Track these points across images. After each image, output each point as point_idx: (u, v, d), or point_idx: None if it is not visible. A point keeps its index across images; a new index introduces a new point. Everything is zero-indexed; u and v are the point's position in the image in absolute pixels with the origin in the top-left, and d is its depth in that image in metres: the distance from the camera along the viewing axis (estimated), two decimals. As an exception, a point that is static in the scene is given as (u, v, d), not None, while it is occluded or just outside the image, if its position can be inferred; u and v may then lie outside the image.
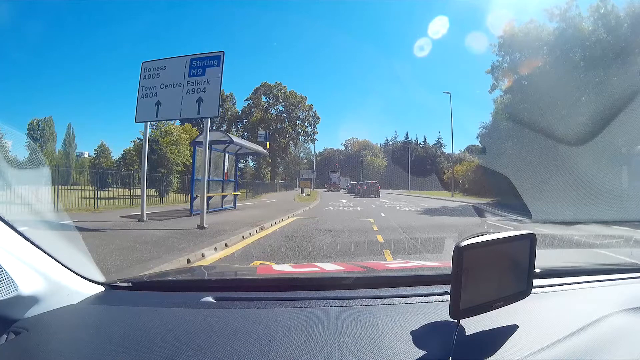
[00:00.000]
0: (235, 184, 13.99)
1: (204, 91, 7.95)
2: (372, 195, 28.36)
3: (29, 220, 1.18)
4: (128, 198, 14.93)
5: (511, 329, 0.85)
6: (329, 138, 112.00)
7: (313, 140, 55.91)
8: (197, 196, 10.04)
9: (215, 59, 8.04)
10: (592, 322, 0.88)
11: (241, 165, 51.35)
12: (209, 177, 10.31)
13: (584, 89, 15.98)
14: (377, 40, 73.20)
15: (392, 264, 1.92)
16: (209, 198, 11.00)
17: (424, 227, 8.90)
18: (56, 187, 10.98)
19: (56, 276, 1.02)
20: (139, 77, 8.68)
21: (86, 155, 51.05)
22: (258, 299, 1.07)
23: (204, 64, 8.07)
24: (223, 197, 12.47)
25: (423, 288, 1.13)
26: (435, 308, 0.96)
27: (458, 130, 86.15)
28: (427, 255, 5.03)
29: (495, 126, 24.81)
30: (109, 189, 18.02)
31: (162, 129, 23.55)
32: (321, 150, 69.18)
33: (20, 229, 0.99)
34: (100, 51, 61.38)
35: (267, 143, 26.19)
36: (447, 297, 0.79)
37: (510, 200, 15.06)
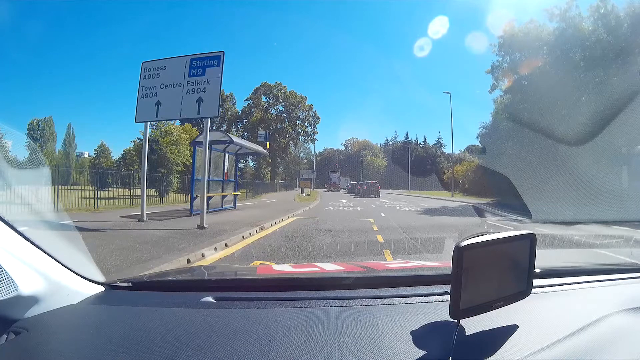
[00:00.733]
0: (235, 184, 13.96)
1: (204, 91, 7.95)
2: (372, 195, 28.25)
3: (29, 220, 1.18)
4: (128, 198, 14.93)
5: (511, 329, 0.85)
6: (329, 138, 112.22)
7: (313, 140, 55.90)
8: (197, 196, 10.03)
9: (215, 59, 8.03)
10: (592, 322, 0.88)
11: (241, 165, 51.22)
12: (209, 177, 10.30)
13: (584, 89, 15.98)
14: (377, 40, 73.39)
15: (392, 264, 1.93)
16: (209, 198, 10.99)
17: (424, 227, 8.88)
18: (56, 187, 10.99)
19: (56, 276, 1.02)
20: (139, 77, 8.68)
21: (86, 155, 51.05)
22: (258, 299, 1.07)
23: (204, 64, 8.07)
24: (223, 197, 12.46)
25: (423, 288, 1.13)
26: (435, 308, 0.96)
27: (458, 131, 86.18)
28: (427, 255, 5.02)
29: (495, 126, 24.83)
30: (109, 189, 18.05)
31: (162, 129, 23.57)
32: (321, 150, 69.26)
33: (20, 229, 0.99)
34: (101, 51, 61.37)
35: (267, 143, 26.18)
36: (447, 297, 0.79)
37: (510, 200, 15.06)
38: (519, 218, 11.16)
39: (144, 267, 4.20)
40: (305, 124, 53.60)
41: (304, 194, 29.31)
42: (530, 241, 0.88)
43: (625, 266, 1.62)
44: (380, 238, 6.67)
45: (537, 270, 0.99)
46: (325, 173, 55.75)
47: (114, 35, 61.31)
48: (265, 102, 52.83)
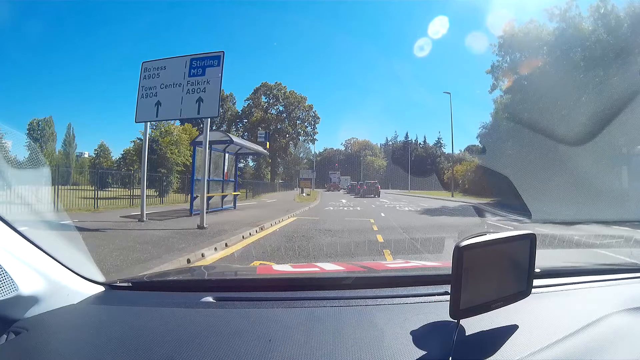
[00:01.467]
0: (235, 184, 13.93)
1: (204, 91, 7.95)
2: (372, 195, 28.13)
3: (28, 220, 1.18)
4: (128, 198, 14.93)
5: (511, 329, 0.85)
6: (329, 138, 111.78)
7: (313, 140, 55.57)
8: (197, 196, 10.03)
9: (215, 59, 8.04)
10: (592, 322, 0.88)
11: (241, 165, 51.13)
12: (209, 177, 10.30)
13: (584, 89, 15.96)
14: (377, 40, 73.04)
15: (392, 264, 1.93)
16: (209, 198, 10.98)
17: (424, 227, 8.87)
18: (56, 187, 10.97)
19: (56, 276, 1.02)
20: (139, 77, 8.68)
21: (86, 155, 50.97)
22: (258, 299, 1.07)
23: (204, 64, 8.07)
24: (223, 197, 12.46)
25: (423, 288, 1.13)
26: (435, 308, 0.96)
27: (458, 131, 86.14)
28: (427, 255, 5.03)
29: (495, 126, 24.76)
30: (109, 189, 18.06)
31: (162, 129, 23.55)
32: (321, 150, 69.01)
33: (20, 229, 0.99)
34: (101, 51, 61.30)
35: (267, 143, 25.99)
36: (447, 297, 0.79)
37: (510, 201, 15.04)
38: (519, 218, 11.16)
39: (144, 267, 4.20)
40: (305, 124, 53.32)
41: (304, 194, 29.17)
42: (530, 241, 0.88)
43: (625, 266, 1.63)
44: (380, 238, 6.67)
45: (537, 270, 0.99)
46: (326, 173, 55.51)
47: (114, 35, 61.18)
48: (265, 102, 52.58)
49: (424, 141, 65.92)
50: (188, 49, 77.35)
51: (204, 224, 7.59)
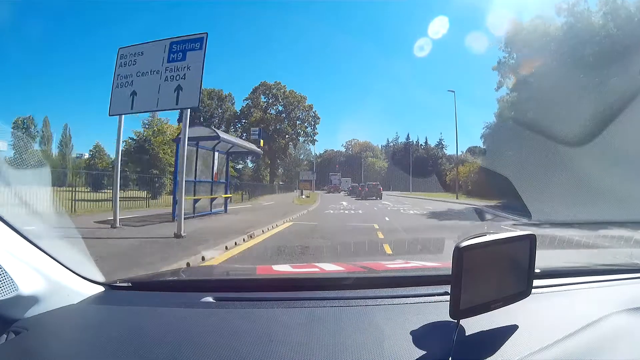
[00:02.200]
0: (227, 185, 12.83)
1: (184, 78, 6.97)
2: (374, 198, 26.94)
3: (28, 220, 1.16)
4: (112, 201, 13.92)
5: (511, 329, 0.86)
6: (330, 139, 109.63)
7: (313, 141, 53.82)
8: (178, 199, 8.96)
9: (198, 42, 7.07)
10: (592, 322, 0.88)
11: (240, 166, 50.40)
12: (190, 178, 9.50)
13: (594, 86, 15.09)
14: (377, 39, 72.15)
15: (393, 264, 1.84)
16: (195, 201, 10.02)
17: (433, 232, 8.17)
18: (54, 188, 9.99)
19: (56, 276, 1.02)
20: (114, 65, 7.70)
21: (86, 157, 49.77)
22: (258, 299, 1.08)
23: (185, 48, 7.10)
24: (212, 200, 11.44)
25: (423, 288, 1.13)
26: (435, 308, 0.96)
27: (460, 131, 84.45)
28: (429, 255, 4.81)
29: (500, 126, 23.63)
30: (104, 191, 17.37)
31: (155, 129, 22.64)
32: (321, 152, 67.84)
33: (20, 229, 0.98)
34: (98, 50, 60.13)
35: (261, 141, 23.56)
36: (447, 298, 0.79)
37: (514, 202, 14.16)
38: (535, 222, 10.08)
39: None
40: (305, 124, 51.56)
41: (303, 196, 28.15)
42: (530, 242, 0.88)
43: (625, 266, 1.60)
44: (388, 249, 5.69)
45: (537, 270, 0.99)
46: (326, 175, 54.26)
47: (115, 35, 59.96)
48: (265, 101, 50.75)
49: (425, 142, 64.40)
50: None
51: (182, 232, 6.59)
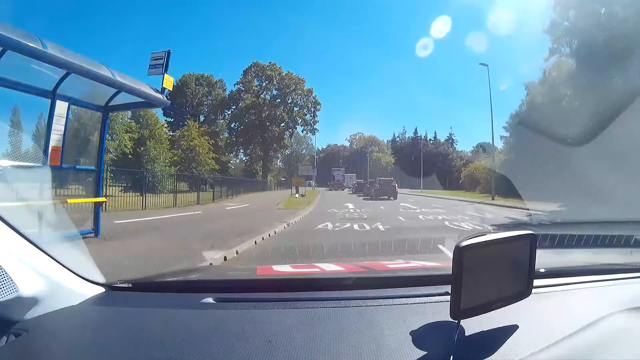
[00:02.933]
0: (100, 173, 6.61)
1: None
2: (387, 197, 22.13)
3: (27, 221, 1.16)
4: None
5: (511, 329, 0.86)
6: (333, 134, 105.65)
7: (313, 130, 46.71)
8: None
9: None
10: (592, 322, 0.89)
11: (235, 160, 46.00)
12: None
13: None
14: (378, 39, 69.54)
15: (393, 264, 1.83)
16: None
17: None
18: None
19: (56, 277, 1.03)
20: None
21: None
22: (258, 300, 1.09)
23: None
24: (41, 210, 2.29)
25: (423, 288, 1.13)
26: (436, 308, 0.96)
27: (468, 127, 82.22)
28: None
29: (537, 109, 19.77)
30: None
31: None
32: (324, 147, 64.72)
33: (19, 229, 0.98)
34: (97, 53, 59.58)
35: (170, 78, 6.55)
36: (448, 298, 0.79)
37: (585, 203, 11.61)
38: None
39: None
40: (304, 110, 44.36)
41: (297, 195, 22.47)
42: (530, 241, 0.89)
43: (625, 266, 1.59)
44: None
45: (537, 270, 0.99)
46: (329, 171, 50.07)
47: (114, 35, 59.46)
48: (257, 85, 43.09)
49: (435, 137, 60.55)
50: (186, 48, 71.85)
51: None
